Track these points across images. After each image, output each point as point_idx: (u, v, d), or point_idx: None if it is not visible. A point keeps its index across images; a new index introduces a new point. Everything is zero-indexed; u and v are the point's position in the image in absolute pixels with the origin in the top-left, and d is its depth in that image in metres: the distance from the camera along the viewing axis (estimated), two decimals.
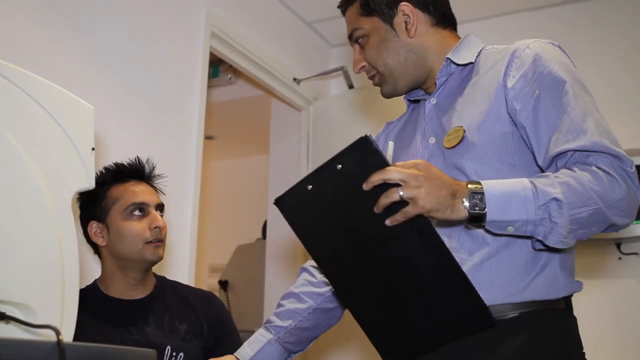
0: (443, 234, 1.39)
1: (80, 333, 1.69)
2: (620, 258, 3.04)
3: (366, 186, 1.16)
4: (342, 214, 1.23)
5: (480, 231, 1.33)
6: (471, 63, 1.48)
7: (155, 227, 1.80)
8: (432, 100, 1.52)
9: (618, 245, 3.04)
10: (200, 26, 2.85)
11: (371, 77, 1.59)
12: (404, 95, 1.65)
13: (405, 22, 1.51)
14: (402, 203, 1.16)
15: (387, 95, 1.59)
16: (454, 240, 1.37)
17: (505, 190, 1.21)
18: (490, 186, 1.22)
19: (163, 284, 1.94)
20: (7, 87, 0.93)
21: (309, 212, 1.26)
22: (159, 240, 1.81)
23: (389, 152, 1.24)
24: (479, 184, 1.22)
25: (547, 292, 1.31)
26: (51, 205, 0.94)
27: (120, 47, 2.42)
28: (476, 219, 1.21)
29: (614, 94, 3.14)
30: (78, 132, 1.00)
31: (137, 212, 1.80)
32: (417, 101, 1.63)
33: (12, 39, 1.99)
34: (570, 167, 1.25)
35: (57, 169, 0.97)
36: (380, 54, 1.52)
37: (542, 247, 1.26)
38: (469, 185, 1.21)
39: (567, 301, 1.34)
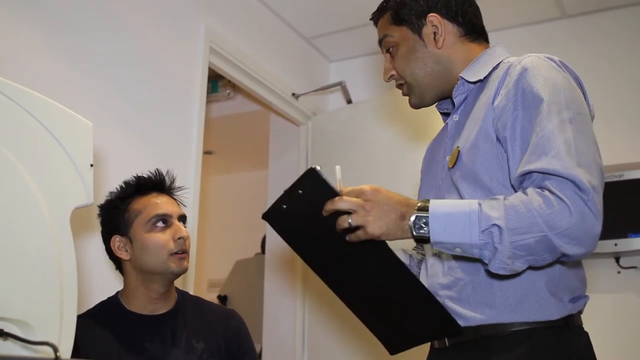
0: (440, 252, 1.41)
1: (95, 346, 1.70)
2: (619, 272, 3.04)
3: (324, 213, 1.23)
4: (315, 230, 1.30)
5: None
6: (479, 81, 1.46)
7: (179, 238, 1.78)
8: (455, 117, 1.52)
9: (617, 259, 3.03)
10: (199, 42, 2.87)
11: (399, 87, 1.59)
12: (436, 107, 1.65)
13: (434, 33, 1.51)
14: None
15: (415, 106, 1.59)
16: (452, 261, 1.39)
17: (450, 212, 1.22)
18: (436, 207, 1.23)
19: (185, 299, 1.92)
20: (6, 104, 0.93)
21: (290, 227, 1.34)
22: (183, 251, 1.79)
23: (337, 176, 1.27)
24: (426, 202, 1.24)
25: (537, 315, 1.30)
26: (50, 221, 0.94)
27: (120, 63, 2.43)
28: (423, 240, 1.24)
29: (615, 108, 3.15)
30: (77, 148, 1.01)
31: (160, 224, 1.79)
32: (448, 114, 1.63)
33: (11, 57, 2.00)
34: (525, 190, 1.22)
35: (56, 186, 0.97)
36: (408, 63, 1.53)
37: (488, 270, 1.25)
38: (418, 204, 1.24)
39: (566, 319, 1.32)
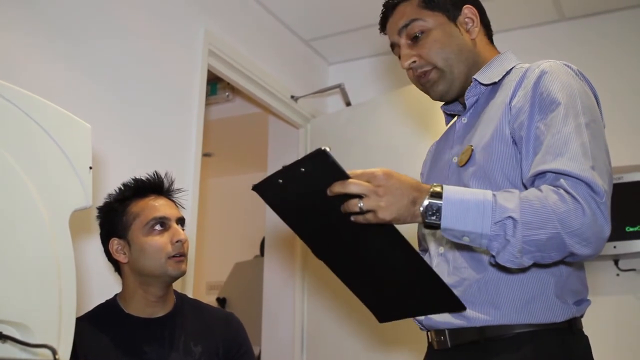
0: (445, 252, 1.41)
1: (93, 349, 1.70)
2: (618, 274, 3.04)
3: (330, 193, 1.20)
4: (313, 207, 1.27)
5: (484, 253, 1.35)
6: (495, 83, 1.48)
7: (177, 241, 1.78)
8: (463, 119, 1.53)
9: (616, 262, 3.04)
10: (198, 44, 2.87)
11: (422, 74, 1.53)
12: (441, 108, 1.65)
13: (467, 23, 1.52)
14: None
15: (438, 96, 1.55)
16: (458, 260, 1.40)
17: (465, 199, 1.21)
18: (450, 193, 1.22)
19: (183, 302, 1.92)
20: (5, 107, 0.93)
21: (283, 201, 1.31)
22: (181, 254, 1.79)
23: None
24: (439, 187, 1.22)
25: (543, 317, 1.31)
26: (49, 224, 0.94)
27: (119, 65, 2.43)
28: (432, 225, 1.23)
29: (615, 111, 3.14)
30: (76, 151, 1.01)
31: (158, 227, 1.79)
32: (454, 115, 1.63)
33: (11, 59, 2.00)
34: (540, 187, 1.22)
35: (55, 188, 0.97)
36: (444, 48, 1.50)
37: (495, 263, 1.25)
38: (431, 189, 1.22)
39: (570, 322, 1.33)
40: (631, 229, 2.88)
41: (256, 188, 1.29)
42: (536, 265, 1.27)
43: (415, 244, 1.63)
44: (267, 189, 1.28)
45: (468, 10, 1.53)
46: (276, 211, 1.34)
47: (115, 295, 1.87)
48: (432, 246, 1.50)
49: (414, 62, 1.52)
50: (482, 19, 1.56)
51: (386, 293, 1.41)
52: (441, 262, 1.45)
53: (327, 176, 1.20)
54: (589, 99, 1.34)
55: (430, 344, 1.49)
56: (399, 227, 1.25)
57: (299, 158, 1.20)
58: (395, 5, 1.56)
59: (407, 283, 1.35)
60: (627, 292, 3.02)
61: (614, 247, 2.88)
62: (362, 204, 1.18)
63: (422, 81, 1.54)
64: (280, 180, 1.23)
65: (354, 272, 1.41)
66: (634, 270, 3.02)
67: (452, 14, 1.52)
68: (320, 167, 1.19)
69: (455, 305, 1.32)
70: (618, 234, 2.89)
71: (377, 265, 1.35)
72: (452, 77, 1.51)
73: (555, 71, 1.35)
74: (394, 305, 1.43)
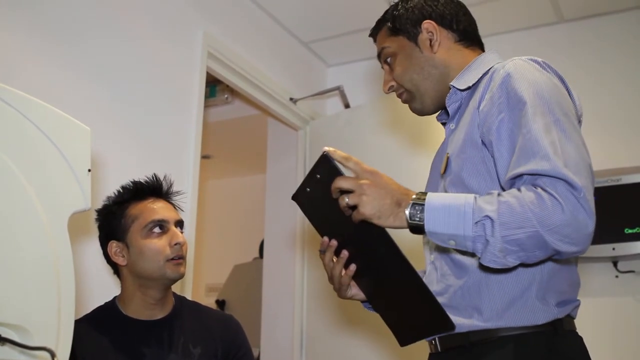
0: (435, 259, 1.44)
1: (92, 351, 1.70)
2: (617, 276, 3.04)
3: (333, 195, 1.26)
4: (332, 214, 1.31)
5: (464, 258, 1.36)
6: (469, 88, 1.48)
7: (175, 244, 1.78)
8: (451, 126, 1.53)
9: (615, 263, 3.04)
10: (197, 47, 2.87)
11: (399, 96, 1.63)
12: (436, 118, 1.68)
13: (430, 40, 1.55)
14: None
15: (417, 112, 1.62)
16: (444, 268, 1.41)
17: (446, 204, 1.22)
18: (433, 198, 1.24)
19: (182, 304, 1.92)
20: (4, 110, 0.93)
21: (313, 208, 1.38)
22: (180, 257, 1.79)
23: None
24: (424, 194, 1.25)
25: (524, 320, 1.30)
26: (48, 227, 0.94)
27: (118, 67, 2.43)
28: (417, 229, 1.24)
29: (614, 112, 3.15)
30: (74, 153, 1.01)
31: (156, 230, 1.79)
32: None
33: (10, 60, 2.00)
34: (519, 188, 1.22)
35: (54, 191, 0.97)
36: (406, 70, 1.56)
37: (482, 266, 1.25)
38: (414, 195, 1.25)
39: (554, 324, 1.31)
40: (630, 231, 2.88)
41: (294, 197, 1.35)
42: (519, 264, 1.27)
43: (417, 257, 1.64)
44: (301, 198, 1.35)
45: (428, 25, 1.55)
46: (310, 221, 1.40)
47: (114, 297, 1.87)
48: (426, 255, 1.51)
49: (392, 86, 1.62)
50: (450, 27, 1.57)
51: (397, 308, 1.42)
52: (432, 270, 1.46)
53: (331, 178, 1.25)
54: (557, 93, 1.32)
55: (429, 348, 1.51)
56: (397, 239, 1.26)
57: (312, 166, 1.28)
58: (374, 35, 1.67)
59: (407, 294, 1.34)
60: (626, 293, 3.02)
61: (613, 248, 2.88)
62: (347, 199, 1.23)
63: (402, 101, 1.63)
64: (308, 189, 1.31)
65: (371, 283, 1.42)
66: (632, 272, 3.02)
67: (412, 33, 1.57)
68: (327, 170, 1.25)
69: (445, 324, 1.30)
70: (617, 236, 2.89)
71: (383, 275, 1.36)
72: (421, 95, 1.57)
73: (519, 70, 1.35)
74: (406, 324, 1.43)
